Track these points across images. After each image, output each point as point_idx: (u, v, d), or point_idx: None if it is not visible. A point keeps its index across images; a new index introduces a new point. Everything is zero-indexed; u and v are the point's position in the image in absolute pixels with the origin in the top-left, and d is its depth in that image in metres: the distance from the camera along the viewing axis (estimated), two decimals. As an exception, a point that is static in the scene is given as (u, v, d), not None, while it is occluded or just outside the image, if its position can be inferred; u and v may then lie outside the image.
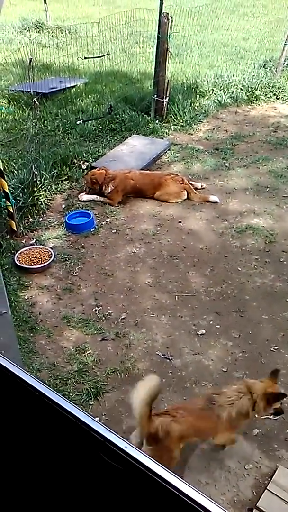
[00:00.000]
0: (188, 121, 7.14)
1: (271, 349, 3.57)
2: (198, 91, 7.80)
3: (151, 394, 2.29)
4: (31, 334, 3.68)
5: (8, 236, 4.71)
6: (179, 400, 3.19)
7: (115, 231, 4.89)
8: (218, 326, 3.76)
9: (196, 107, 7.52)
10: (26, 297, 4.04)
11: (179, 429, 2.50)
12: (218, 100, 7.77)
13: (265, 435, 2.98)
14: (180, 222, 5.03)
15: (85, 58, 7.94)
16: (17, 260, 4.36)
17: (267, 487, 2.72)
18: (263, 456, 2.88)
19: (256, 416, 2.81)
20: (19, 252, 4.45)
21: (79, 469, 1.09)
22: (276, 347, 3.57)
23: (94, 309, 3.92)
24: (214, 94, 7.87)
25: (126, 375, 3.36)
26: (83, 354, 3.51)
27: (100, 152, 6.17)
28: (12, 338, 1.41)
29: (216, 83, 8.06)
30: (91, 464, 1.02)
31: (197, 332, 3.71)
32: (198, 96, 7.75)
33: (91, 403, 3.16)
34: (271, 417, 2.92)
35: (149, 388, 2.28)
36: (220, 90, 7.97)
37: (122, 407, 3.14)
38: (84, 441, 0.97)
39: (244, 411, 2.61)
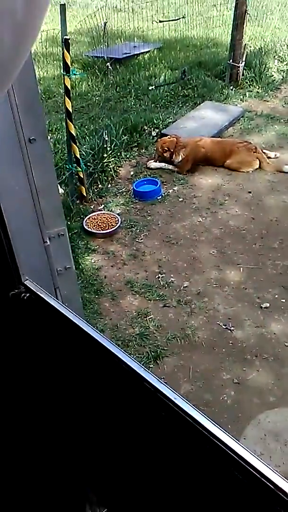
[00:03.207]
0: (264, 88, 6.83)
1: None
2: (276, 56, 7.40)
3: None
4: (96, 296, 3.81)
5: (78, 202, 4.83)
6: (239, 371, 3.18)
7: (182, 199, 4.86)
8: (284, 301, 3.67)
9: (273, 73, 7.15)
10: (92, 261, 4.16)
11: None
12: (298, 65, 7.35)
13: None
14: (250, 192, 4.88)
15: (160, 21, 7.77)
16: (86, 225, 4.47)
17: None
18: None
19: None
20: (87, 217, 4.57)
21: (135, 420, 1.14)
22: None
23: (157, 276, 3.96)
24: (294, 59, 7.44)
25: (186, 342, 3.40)
26: (145, 319, 3.58)
27: (171, 118, 6.09)
28: (74, 293, 1.46)
29: (297, 47, 7.62)
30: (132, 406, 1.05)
31: (261, 305, 3.64)
32: (276, 61, 7.35)
33: (150, 365, 3.23)
34: None
35: None
36: (301, 55, 7.52)
37: (181, 372, 3.19)
38: (136, 390, 1.00)
39: None
